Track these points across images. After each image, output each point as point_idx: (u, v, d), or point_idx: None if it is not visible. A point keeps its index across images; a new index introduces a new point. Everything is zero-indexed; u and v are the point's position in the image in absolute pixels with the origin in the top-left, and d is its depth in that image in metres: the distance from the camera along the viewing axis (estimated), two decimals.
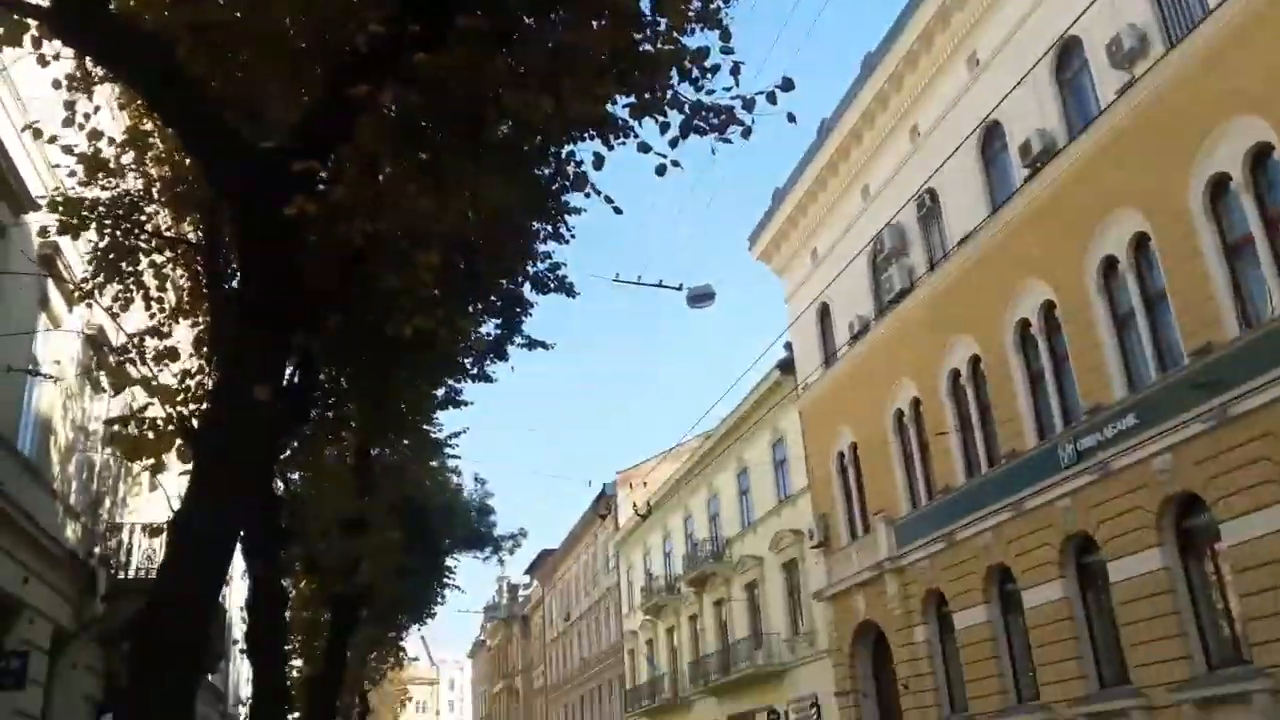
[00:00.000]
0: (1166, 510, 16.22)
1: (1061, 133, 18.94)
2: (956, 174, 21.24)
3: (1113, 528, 17.10)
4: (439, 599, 21.37)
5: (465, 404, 12.35)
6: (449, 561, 20.23)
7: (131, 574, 16.18)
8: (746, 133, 6.01)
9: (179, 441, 5.90)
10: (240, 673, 28.92)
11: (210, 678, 23.23)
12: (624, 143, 6.57)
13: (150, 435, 5.33)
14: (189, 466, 5.29)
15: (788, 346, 30.49)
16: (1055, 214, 18.89)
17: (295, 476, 13.68)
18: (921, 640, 23.08)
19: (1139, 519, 16.54)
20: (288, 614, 12.53)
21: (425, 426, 12.62)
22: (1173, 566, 16.15)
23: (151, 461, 5.95)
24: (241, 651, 17.18)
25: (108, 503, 16.97)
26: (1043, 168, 19.11)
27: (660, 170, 5.95)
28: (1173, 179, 16.15)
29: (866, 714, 25.77)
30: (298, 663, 19.73)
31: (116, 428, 5.60)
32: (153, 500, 18.28)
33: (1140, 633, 16.43)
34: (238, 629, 22.93)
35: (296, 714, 18.79)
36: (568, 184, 7.40)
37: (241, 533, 7.81)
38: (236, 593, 23.18)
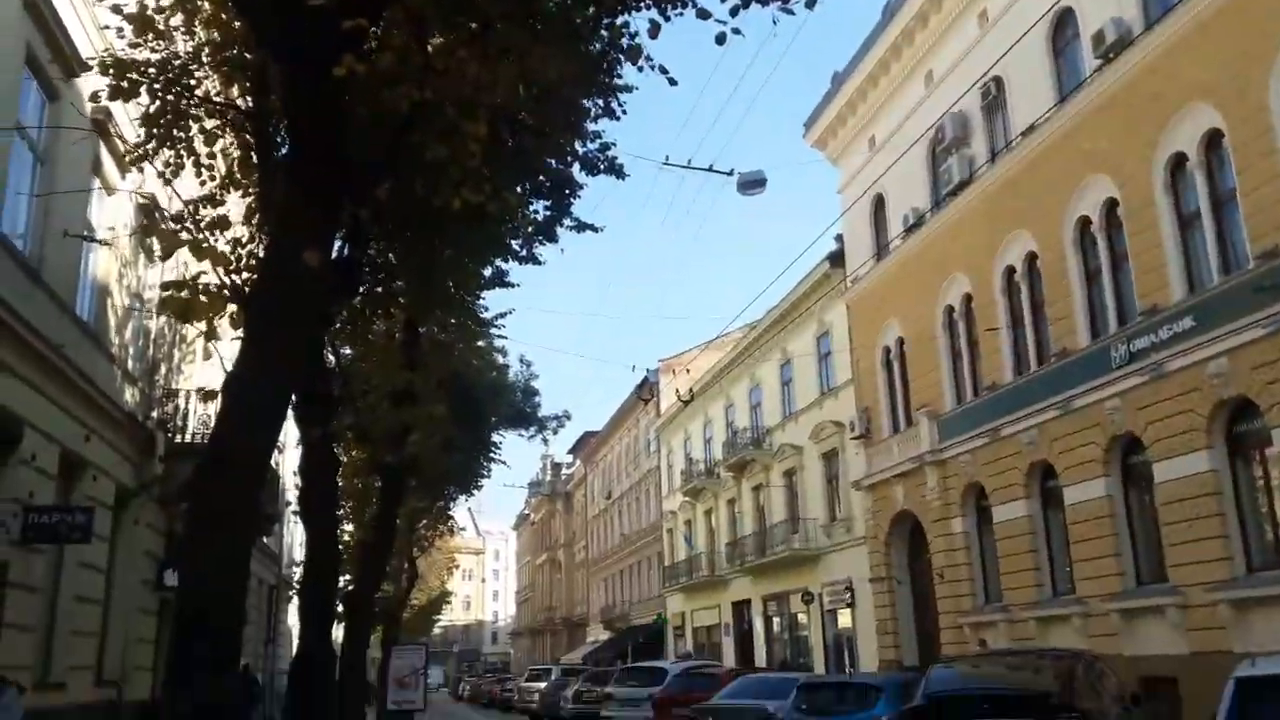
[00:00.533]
0: (1218, 414, 15.99)
1: (1138, 21, 17.97)
2: (1024, 62, 20.36)
3: (1161, 429, 16.92)
4: (484, 472, 21.90)
5: (512, 285, 12.38)
6: (494, 438, 20.64)
7: (188, 438, 16.72)
8: (811, 2, 5.73)
9: (231, 307, 5.96)
10: (294, 537, 30.11)
11: (265, 540, 24.22)
12: (681, 13, 6.31)
13: (202, 299, 5.40)
14: (241, 333, 5.35)
15: (838, 238, 30.02)
16: (1125, 107, 18.11)
17: (346, 351, 13.90)
18: (959, 531, 23.30)
19: (1189, 421, 16.33)
20: (339, 481, 12.89)
21: (472, 305, 12.69)
22: (1220, 469, 16.02)
23: (204, 325, 6.03)
24: (294, 513, 17.82)
25: (163, 369, 17.43)
26: (1115, 58, 18.23)
27: (720, 39, 5.71)
28: (1253, 74, 15.34)
29: (900, 600, 26.30)
30: (349, 528, 20.45)
31: (170, 292, 5.66)
32: (207, 368, 18.74)
33: (1182, 533, 16.42)
34: (291, 495, 23.77)
35: (348, 576, 19.57)
36: (620, 56, 7.17)
37: (294, 399, 7.97)
38: (290, 460, 23.94)
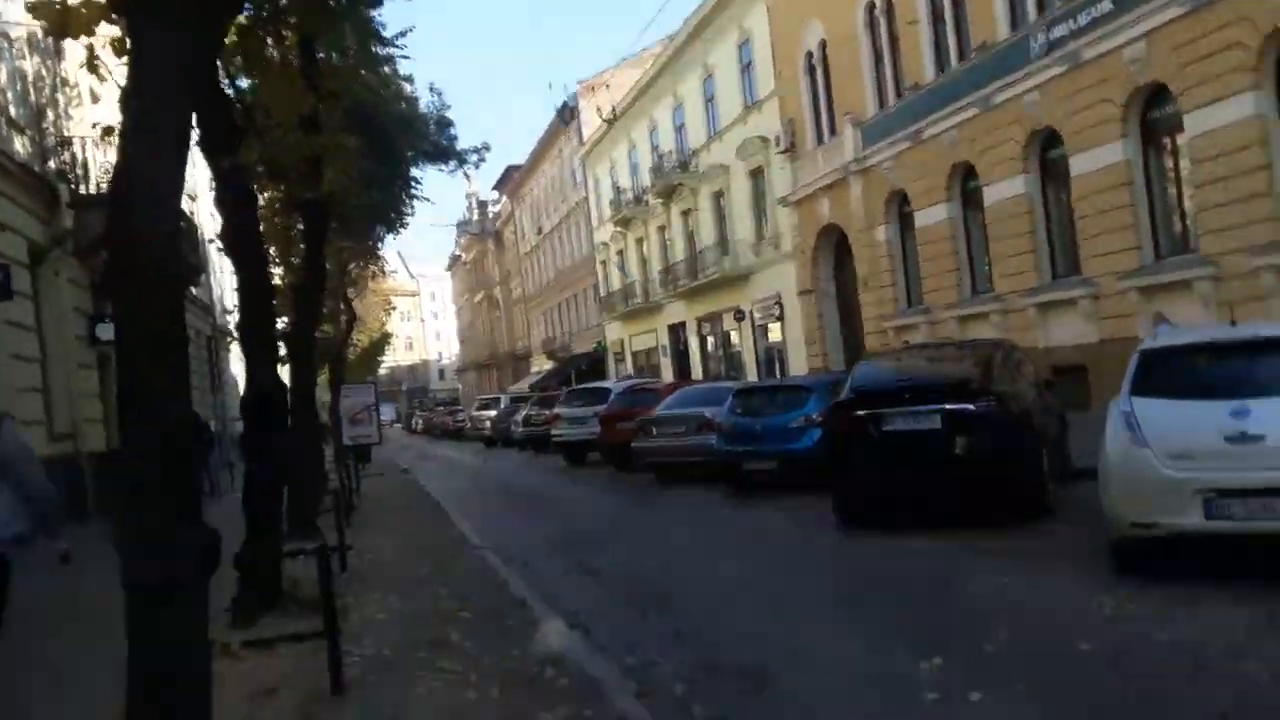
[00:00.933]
0: (1134, 101, 16.14)
1: None
2: None
3: (1079, 121, 17.09)
4: (408, 210, 21.41)
5: None
6: (414, 174, 20.01)
7: (93, 189, 16.07)
8: None
9: (114, 30, 5.53)
10: (223, 287, 29.74)
11: (194, 291, 23.89)
12: None
13: (82, 10, 4.97)
14: (126, 59, 4.99)
15: None
16: None
17: (243, 84, 13.09)
18: (882, 240, 23.88)
19: (1105, 112, 16.49)
20: (259, 222, 12.58)
21: (366, 17, 11.89)
22: (1134, 159, 16.38)
23: (86, 49, 5.61)
24: (219, 250, 17.49)
25: (51, 115, 16.39)
26: None
27: None
28: None
29: (826, 310, 27.34)
30: (278, 272, 20.17)
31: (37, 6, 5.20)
32: (96, 112, 17.69)
33: (1095, 225, 17.01)
34: (211, 236, 23.23)
35: (285, 320, 19.55)
36: None
37: (197, 133, 7.59)
38: (205, 205, 23.24)
